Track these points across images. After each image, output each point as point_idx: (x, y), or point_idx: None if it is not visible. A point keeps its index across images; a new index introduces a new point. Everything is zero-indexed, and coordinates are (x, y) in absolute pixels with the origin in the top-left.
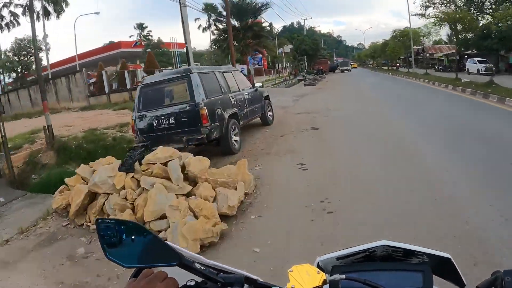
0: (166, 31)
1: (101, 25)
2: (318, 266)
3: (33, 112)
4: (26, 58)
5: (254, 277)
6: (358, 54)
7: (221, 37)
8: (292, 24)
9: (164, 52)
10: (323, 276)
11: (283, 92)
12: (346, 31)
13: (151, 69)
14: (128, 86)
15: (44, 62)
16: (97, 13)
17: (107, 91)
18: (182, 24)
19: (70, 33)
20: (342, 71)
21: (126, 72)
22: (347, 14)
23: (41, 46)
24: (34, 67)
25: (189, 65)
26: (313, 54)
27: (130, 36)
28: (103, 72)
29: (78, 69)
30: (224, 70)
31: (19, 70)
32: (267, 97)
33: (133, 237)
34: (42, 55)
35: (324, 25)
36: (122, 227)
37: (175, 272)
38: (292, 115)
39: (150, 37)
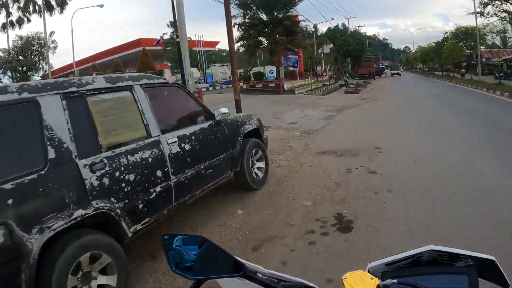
0: (201, 30)
1: (132, 23)
2: (369, 272)
3: None
4: (32, 57)
5: (313, 285)
6: (406, 58)
7: (246, 32)
8: (337, 25)
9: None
10: (376, 281)
11: (316, 103)
12: (391, 34)
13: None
14: None
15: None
16: (101, 5)
17: None
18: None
19: (81, 30)
20: (392, 74)
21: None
22: (392, 17)
23: (48, 44)
24: (45, 66)
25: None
26: (358, 56)
27: (163, 34)
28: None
29: (95, 70)
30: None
31: (23, 70)
32: (254, 133)
33: (198, 250)
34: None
35: (369, 28)
36: (188, 241)
37: (234, 283)
38: (313, 157)
39: (172, 36)
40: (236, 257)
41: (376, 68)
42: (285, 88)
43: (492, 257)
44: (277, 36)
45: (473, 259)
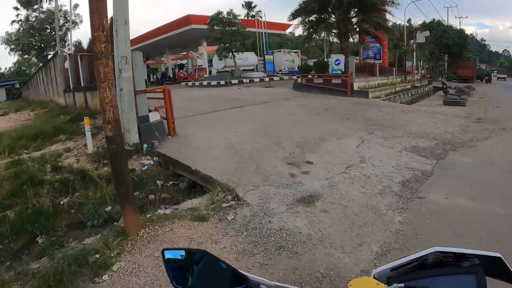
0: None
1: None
2: (374, 278)
3: None
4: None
5: None
6: (510, 61)
7: (304, 4)
8: (433, 20)
9: (237, 32)
10: (383, 286)
11: (395, 121)
12: (489, 35)
13: None
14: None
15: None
16: None
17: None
18: None
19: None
20: (499, 78)
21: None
22: (491, 17)
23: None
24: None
25: None
26: (458, 52)
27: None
28: None
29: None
30: None
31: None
32: None
33: (199, 264)
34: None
35: (465, 26)
36: (189, 255)
37: None
38: None
39: (232, 15)
40: (238, 270)
41: (478, 70)
42: (355, 87)
43: (498, 254)
44: (351, 13)
45: (479, 257)
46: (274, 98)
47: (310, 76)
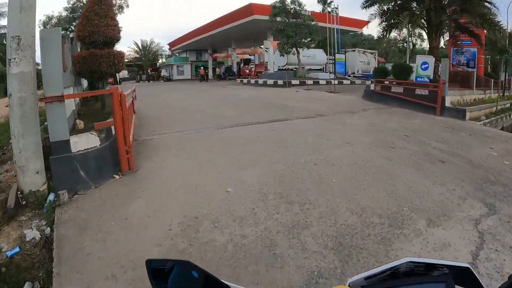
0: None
1: None
2: (349, 287)
3: None
4: None
5: None
6: None
7: None
8: None
9: (302, 24)
10: None
11: None
12: None
13: None
14: None
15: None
16: None
17: None
18: None
19: None
20: None
21: None
22: None
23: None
24: None
25: None
26: None
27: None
28: None
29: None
30: None
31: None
32: None
33: (184, 275)
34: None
35: None
36: (173, 266)
37: None
38: None
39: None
40: (223, 281)
41: None
42: (447, 103)
43: (467, 265)
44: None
45: (449, 267)
46: (336, 109)
47: (387, 83)
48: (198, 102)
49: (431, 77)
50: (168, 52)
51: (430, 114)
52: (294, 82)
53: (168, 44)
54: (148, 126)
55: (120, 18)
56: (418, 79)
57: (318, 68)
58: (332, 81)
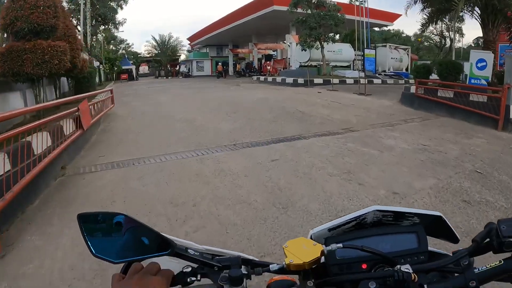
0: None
1: None
2: (312, 239)
3: None
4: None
5: (250, 257)
6: None
7: None
8: None
9: (327, 14)
10: (320, 247)
11: None
12: None
13: None
14: None
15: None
16: None
17: None
18: None
19: None
20: None
21: None
22: None
23: None
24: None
25: None
26: None
27: None
28: None
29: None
30: None
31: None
32: None
33: (120, 230)
34: None
35: None
36: (108, 220)
37: (167, 261)
38: None
39: None
40: (164, 234)
41: None
42: None
43: (439, 213)
44: None
45: (420, 216)
46: (368, 119)
47: (431, 84)
48: (194, 105)
49: (491, 79)
50: (188, 47)
51: (488, 127)
52: (316, 81)
53: (187, 39)
54: (104, 144)
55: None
56: (473, 80)
57: (345, 65)
58: (361, 80)
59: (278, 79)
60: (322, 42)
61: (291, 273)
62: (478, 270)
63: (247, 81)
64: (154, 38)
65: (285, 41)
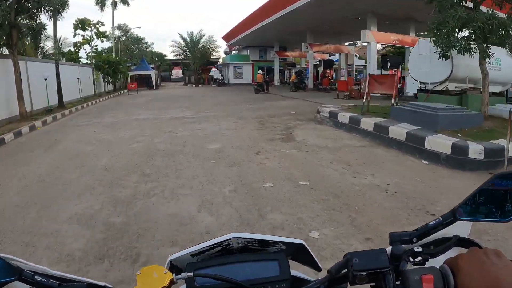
0: None
1: None
2: (172, 265)
3: None
4: None
5: (101, 283)
6: None
7: None
8: None
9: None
10: (169, 275)
11: None
12: None
13: None
14: None
15: None
16: None
17: None
18: None
19: None
20: None
21: None
22: None
23: None
24: None
25: None
26: None
27: None
28: None
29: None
30: None
31: None
32: None
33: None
34: None
35: None
36: None
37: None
38: None
39: None
40: (11, 257)
41: None
42: None
43: (301, 241)
44: None
45: (284, 244)
46: None
47: None
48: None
49: None
50: (226, 49)
51: None
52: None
53: (222, 38)
54: None
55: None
56: None
57: (497, 91)
58: None
59: (382, 122)
60: (487, 49)
61: None
62: None
63: (300, 104)
64: (181, 36)
65: (354, 43)
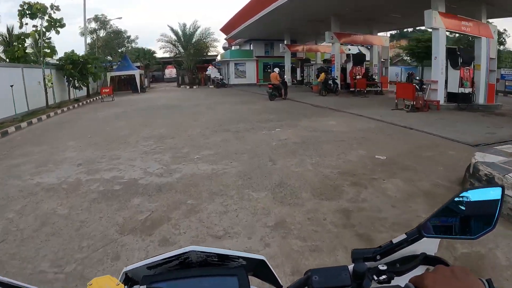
0: None
1: None
2: (127, 277)
3: None
4: None
5: None
6: None
7: None
8: None
9: None
10: (121, 287)
11: None
12: None
13: None
14: None
15: None
16: None
17: None
18: None
19: None
20: None
21: None
22: None
23: None
24: None
25: None
26: None
27: None
28: None
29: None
30: None
31: None
32: None
33: None
34: None
35: None
36: None
37: None
38: None
39: None
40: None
41: None
42: None
43: (262, 257)
44: None
45: (245, 259)
46: None
47: None
48: None
49: None
50: (225, 44)
51: None
52: None
53: (220, 30)
54: None
55: None
56: None
57: None
58: None
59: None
60: None
61: None
62: None
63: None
64: (172, 28)
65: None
